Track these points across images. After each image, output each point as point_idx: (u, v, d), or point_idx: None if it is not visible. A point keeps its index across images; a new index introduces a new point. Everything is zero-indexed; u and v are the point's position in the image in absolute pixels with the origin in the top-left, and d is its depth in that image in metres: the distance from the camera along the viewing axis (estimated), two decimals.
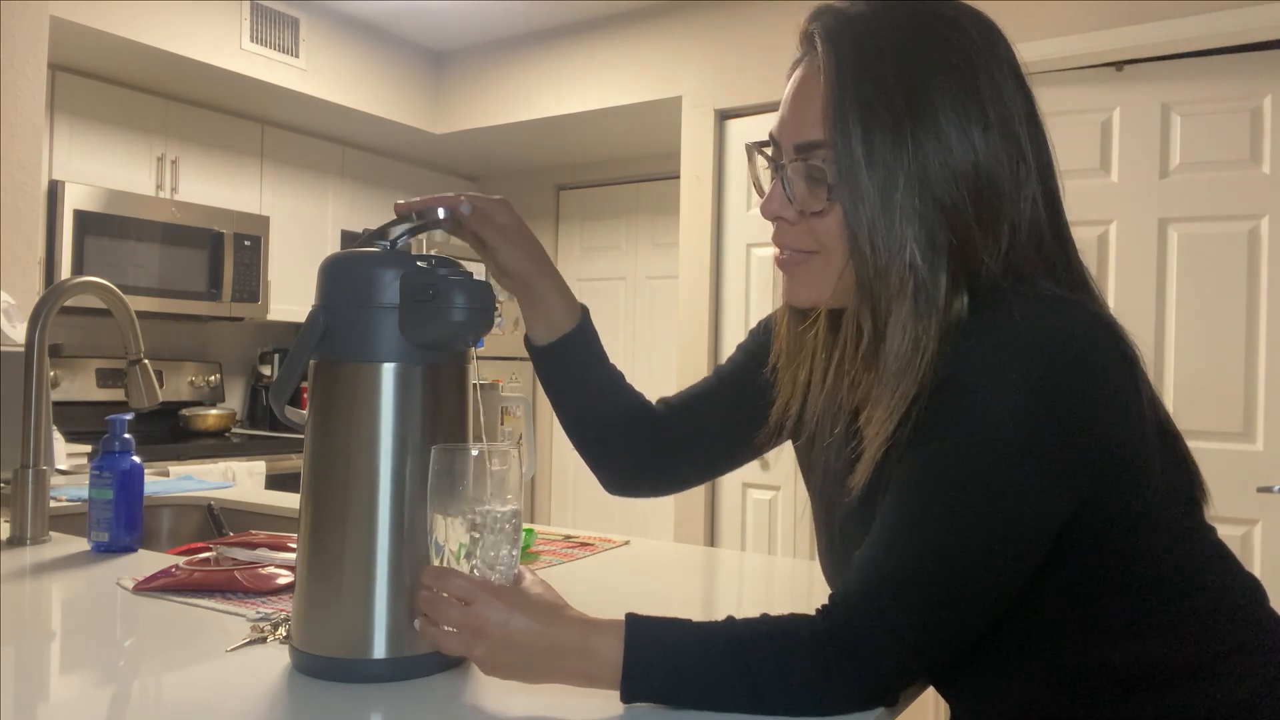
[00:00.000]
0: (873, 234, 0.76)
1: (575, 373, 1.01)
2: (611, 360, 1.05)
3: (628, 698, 0.75)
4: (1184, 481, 0.81)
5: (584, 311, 1.01)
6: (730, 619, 0.77)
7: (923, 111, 0.75)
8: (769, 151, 0.85)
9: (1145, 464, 0.76)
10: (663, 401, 1.07)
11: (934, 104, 0.76)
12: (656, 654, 0.75)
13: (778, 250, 0.86)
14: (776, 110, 0.87)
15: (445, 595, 0.78)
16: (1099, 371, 0.73)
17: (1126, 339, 0.77)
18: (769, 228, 0.87)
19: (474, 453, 0.81)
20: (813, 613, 0.76)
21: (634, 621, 0.76)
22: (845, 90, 0.77)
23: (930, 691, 0.92)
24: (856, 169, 0.76)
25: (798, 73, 0.82)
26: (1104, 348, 0.74)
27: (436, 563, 0.81)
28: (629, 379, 1.06)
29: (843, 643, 0.73)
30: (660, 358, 4.34)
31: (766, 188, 0.85)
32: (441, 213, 0.90)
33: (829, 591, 0.80)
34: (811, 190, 0.80)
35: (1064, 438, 0.72)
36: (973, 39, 0.78)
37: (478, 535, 0.80)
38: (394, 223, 0.91)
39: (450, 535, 0.80)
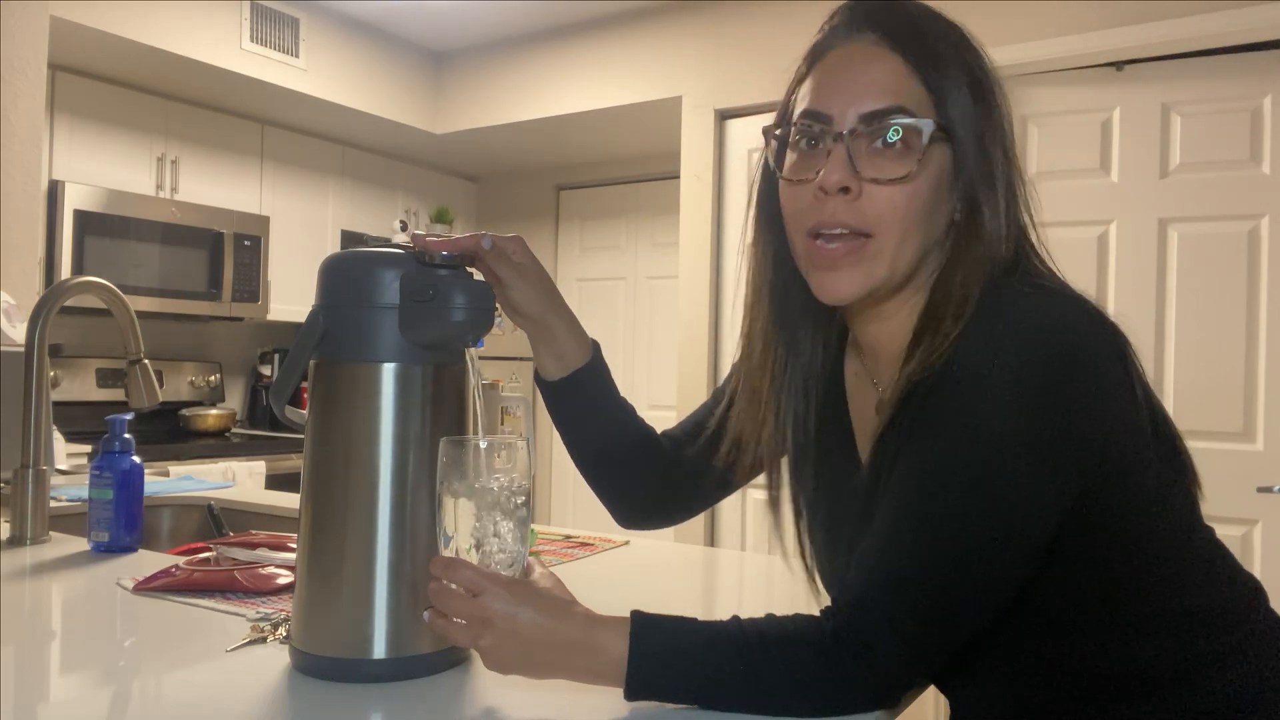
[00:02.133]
0: (982, 199, 0.81)
1: (586, 408, 1.01)
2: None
3: (631, 695, 0.75)
4: (1181, 475, 0.81)
5: (595, 347, 1.01)
6: (736, 618, 0.77)
7: (982, 83, 0.82)
8: (813, 128, 0.82)
9: (1142, 455, 0.77)
10: (666, 435, 1.07)
11: (985, 82, 0.83)
12: (662, 651, 0.75)
13: (819, 243, 0.82)
14: (777, 110, 0.87)
15: (453, 586, 0.78)
16: (1093, 364, 0.73)
17: (1117, 330, 0.77)
18: None
19: (482, 444, 0.81)
20: (817, 613, 0.76)
21: (640, 619, 0.76)
22: (940, 57, 0.81)
23: (930, 692, 0.92)
24: (964, 122, 0.80)
25: (844, 50, 0.83)
26: (1097, 339, 0.74)
27: (445, 554, 0.81)
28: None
29: (847, 643, 0.73)
30: (660, 358, 4.34)
31: (789, 167, 0.84)
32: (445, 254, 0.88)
33: (818, 595, 0.80)
34: (900, 154, 0.79)
35: (1060, 431, 0.72)
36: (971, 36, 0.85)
37: (486, 526, 0.80)
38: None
39: (459, 526, 0.80)
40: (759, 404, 0.92)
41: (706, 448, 1.03)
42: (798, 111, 0.84)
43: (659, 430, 1.07)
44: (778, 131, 0.86)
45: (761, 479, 1.06)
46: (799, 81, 0.86)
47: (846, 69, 0.82)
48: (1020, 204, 0.82)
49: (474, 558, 0.80)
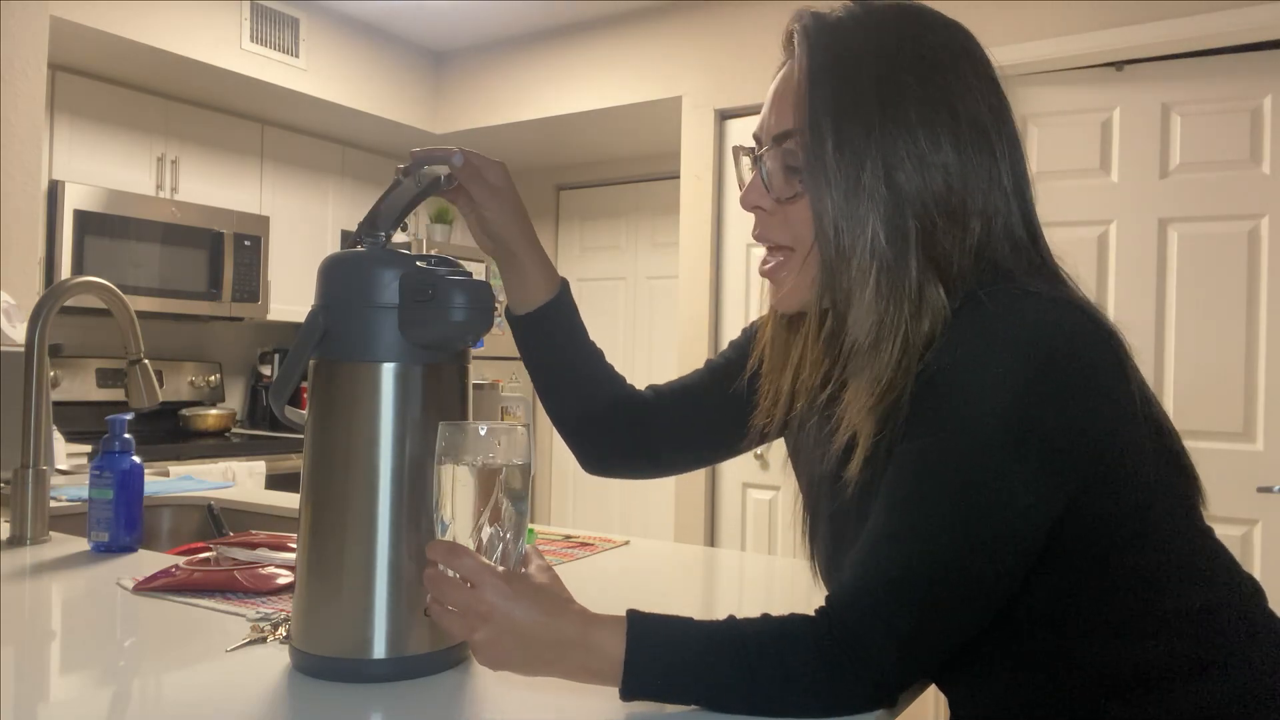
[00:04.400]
0: (837, 217, 0.78)
1: (554, 344, 1.02)
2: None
3: (627, 694, 0.75)
4: (1179, 478, 0.81)
5: (564, 283, 1.02)
6: (731, 618, 0.77)
7: (892, 103, 0.78)
8: (751, 150, 0.87)
9: (1137, 457, 0.77)
10: (652, 388, 1.08)
11: (904, 97, 0.78)
12: (658, 650, 0.75)
13: (761, 260, 0.88)
14: None
15: (449, 574, 0.77)
16: (1085, 364, 0.73)
17: (1113, 332, 0.77)
18: None
19: (481, 429, 0.79)
20: (812, 613, 0.76)
21: (636, 618, 0.76)
22: (818, 81, 0.80)
23: (930, 692, 0.92)
24: (824, 152, 0.78)
25: (779, 73, 0.86)
26: (1090, 341, 0.74)
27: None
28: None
29: (841, 643, 0.73)
30: (660, 358, 4.34)
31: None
32: (442, 178, 0.90)
33: (823, 590, 0.80)
34: (786, 178, 0.83)
35: (1052, 431, 0.72)
36: (946, 41, 0.82)
37: (484, 514, 0.78)
38: (387, 194, 0.90)
39: (456, 513, 0.79)
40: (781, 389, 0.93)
41: (687, 411, 1.04)
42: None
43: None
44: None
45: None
46: None
47: (772, 94, 0.85)
48: (973, 212, 0.78)
49: (471, 545, 0.78)
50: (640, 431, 1.05)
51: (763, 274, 0.88)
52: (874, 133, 0.77)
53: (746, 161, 0.88)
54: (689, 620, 0.77)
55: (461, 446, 0.79)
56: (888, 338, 0.76)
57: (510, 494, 0.79)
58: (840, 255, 0.78)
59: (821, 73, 0.80)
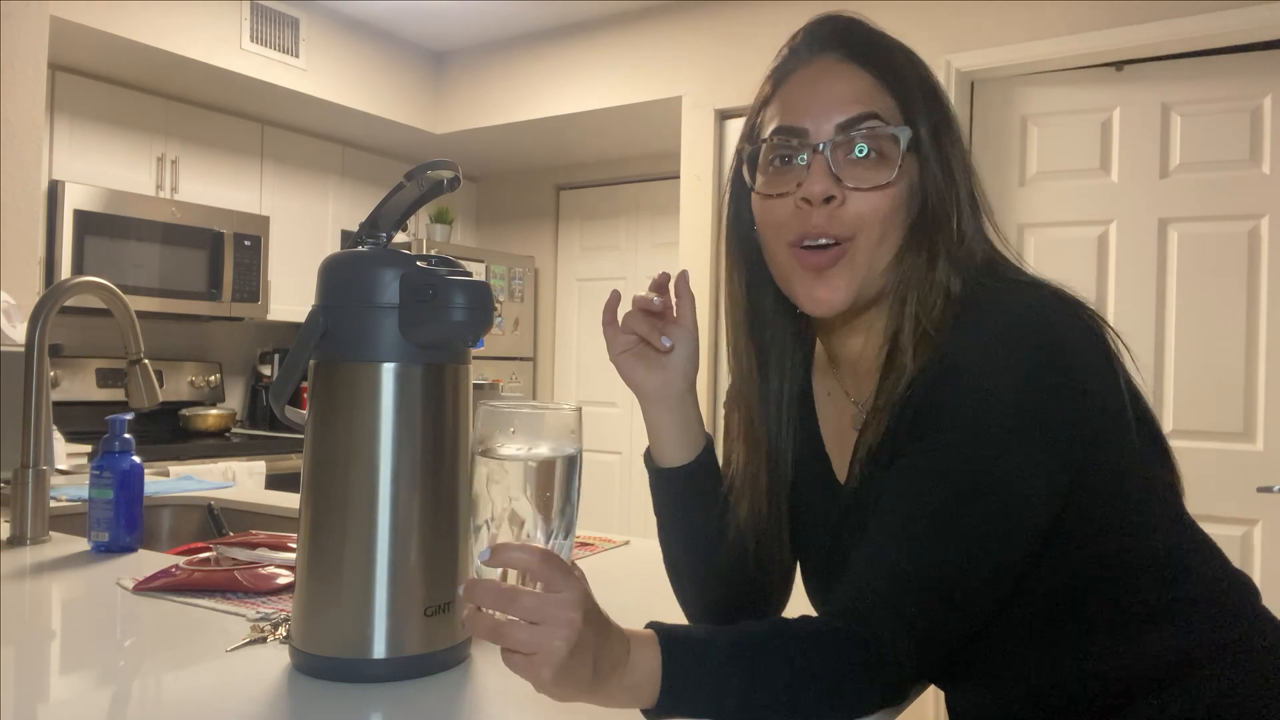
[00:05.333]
0: (960, 199, 0.83)
1: (708, 500, 0.94)
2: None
3: (660, 711, 0.70)
4: (1164, 468, 0.83)
5: (709, 436, 0.96)
6: (747, 623, 0.75)
7: (939, 96, 0.86)
8: (790, 142, 0.83)
9: (1126, 439, 0.78)
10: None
11: (941, 95, 0.86)
12: (690, 664, 0.71)
13: (804, 251, 0.82)
14: (742, 132, 0.89)
15: (523, 587, 0.65)
16: (1077, 350, 0.75)
17: (1096, 316, 0.79)
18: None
19: (526, 413, 0.68)
20: (816, 614, 0.76)
21: (664, 632, 0.72)
22: (901, 68, 0.84)
23: (930, 692, 0.92)
24: (946, 139, 0.84)
25: (810, 69, 0.85)
26: (1078, 327, 0.77)
27: (477, 544, 0.67)
28: None
29: (859, 640, 0.73)
30: None
31: (758, 181, 0.86)
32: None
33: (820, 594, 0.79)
34: (877, 161, 0.81)
35: (1055, 422, 0.73)
36: None
37: (538, 510, 0.67)
38: (389, 196, 0.89)
39: (496, 506, 0.67)
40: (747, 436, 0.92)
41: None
42: (769, 129, 0.85)
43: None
44: (747, 150, 0.87)
45: None
46: (764, 102, 0.88)
47: (815, 85, 0.84)
48: (982, 209, 0.86)
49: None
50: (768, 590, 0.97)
51: (812, 269, 0.82)
52: (950, 123, 0.85)
53: (766, 155, 0.84)
54: (709, 629, 0.74)
55: (505, 433, 0.67)
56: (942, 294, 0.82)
57: (560, 488, 0.68)
58: (960, 233, 0.82)
59: (898, 65, 0.84)
